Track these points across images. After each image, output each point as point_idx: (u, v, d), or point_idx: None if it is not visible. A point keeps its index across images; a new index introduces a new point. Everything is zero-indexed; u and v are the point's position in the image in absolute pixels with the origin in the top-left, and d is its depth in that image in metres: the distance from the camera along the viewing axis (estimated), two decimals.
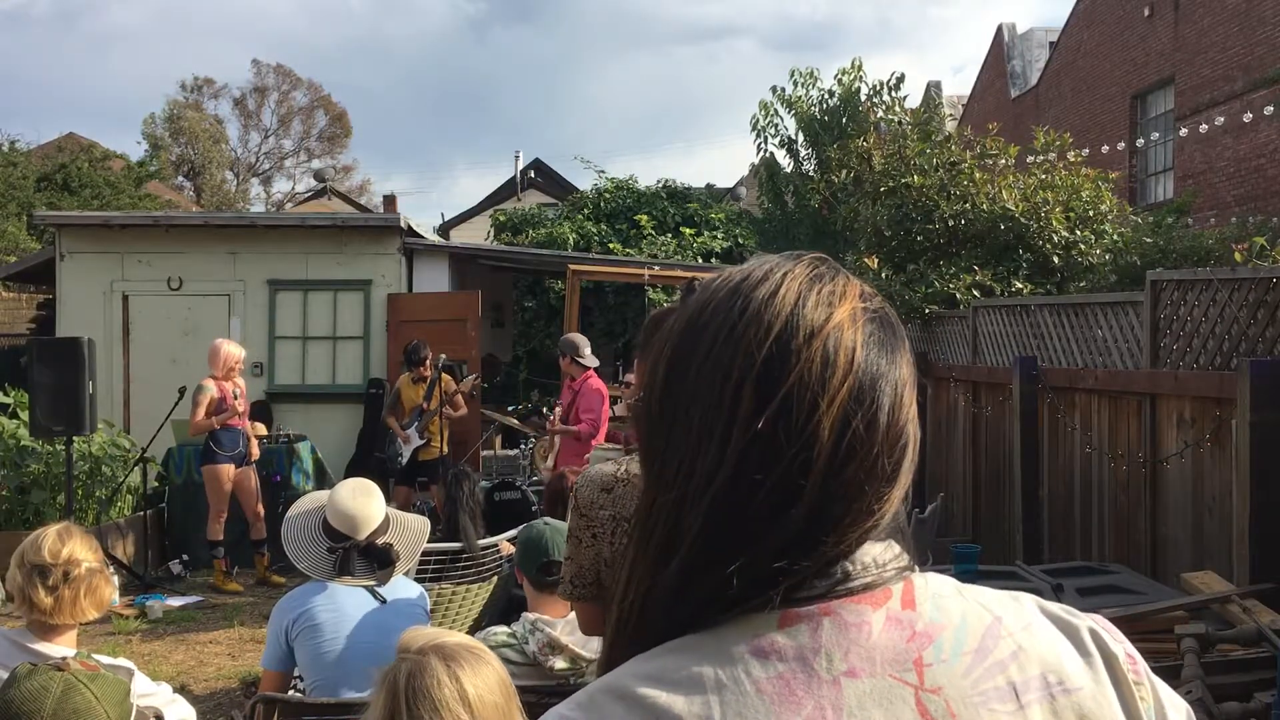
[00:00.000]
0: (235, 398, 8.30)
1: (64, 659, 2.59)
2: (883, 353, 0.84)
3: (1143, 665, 0.88)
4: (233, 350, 8.37)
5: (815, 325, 0.82)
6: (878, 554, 0.83)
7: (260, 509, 8.52)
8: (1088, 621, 0.88)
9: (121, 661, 3.02)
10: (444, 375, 9.45)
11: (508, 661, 3.26)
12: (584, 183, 24.40)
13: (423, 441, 9.35)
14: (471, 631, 4.73)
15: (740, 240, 17.95)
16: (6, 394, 9.85)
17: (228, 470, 8.28)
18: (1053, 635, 0.86)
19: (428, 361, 9.42)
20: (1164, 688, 0.88)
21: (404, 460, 9.28)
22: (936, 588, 0.85)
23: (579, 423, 7.71)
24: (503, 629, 3.42)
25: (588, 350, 7.87)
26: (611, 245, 17.56)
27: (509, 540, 6.06)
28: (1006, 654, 0.83)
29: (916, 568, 0.86)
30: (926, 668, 0.80)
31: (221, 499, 8.30)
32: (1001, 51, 21.79)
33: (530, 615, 3.38)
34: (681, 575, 0.82)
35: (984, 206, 9.74)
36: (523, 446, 11.48)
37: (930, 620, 0.82)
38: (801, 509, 0.80)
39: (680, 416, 0.83)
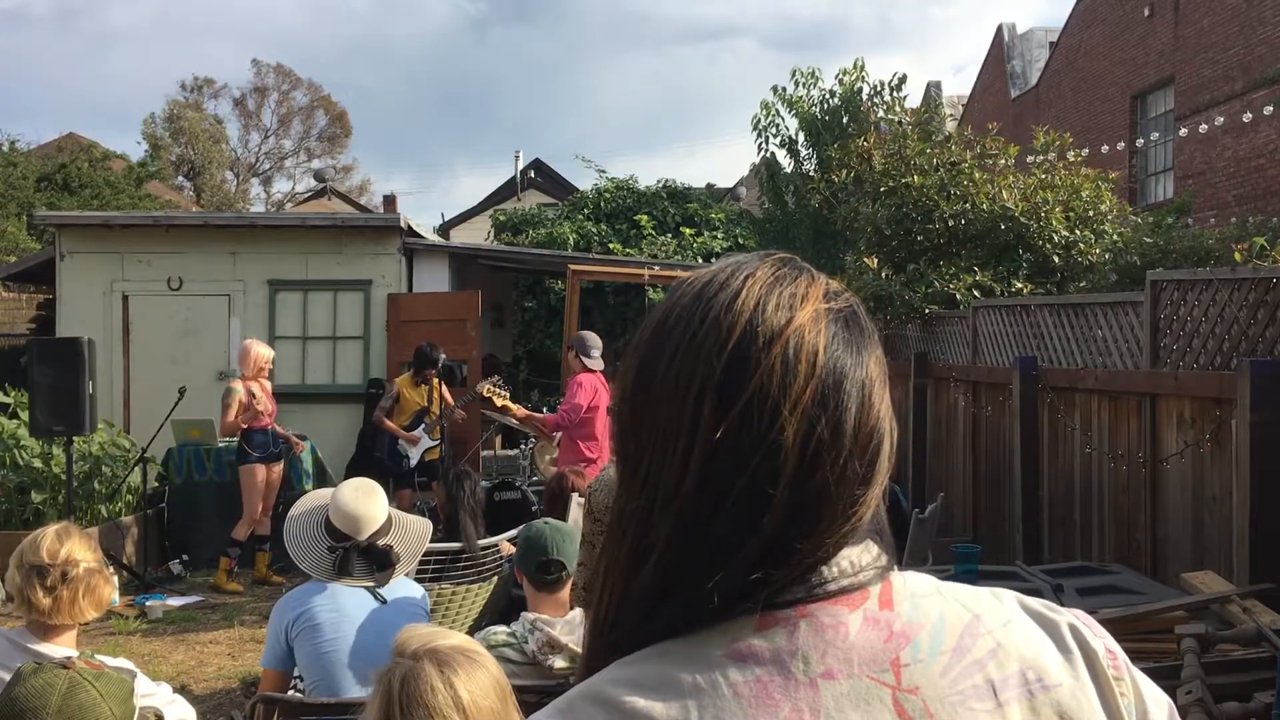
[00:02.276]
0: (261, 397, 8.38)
1: (69, 658, 2.60)
2: (848, 353, 0.82)
3: (1123, 660, 0.87)
4: (263, 351, 8.53)
5: (775, 330, 0.81)
6: (854, 556, 0.83)
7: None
8: (1068, 617, 0.88)
9: (123, 663, 3.02)
10: (435, 381, 9.29)
11: (507, 661, 3.27)
12: (584, 183, 24.47)
13: (435, 443, 9.28)
14: (471, 632, 4.73)
15: (740, 240, 17.95)
16: (6, 394, 9.84)
17: (262, 470, 8.36)
18: (1032, 632, 0.85)
19: (438, 367, 9.27)
20: (1146, 682, 0.88)
21: (413, 462, 9.17)
22: (915, 587, 0.85)
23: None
24: (502, 629, 3.43)
25: (596, 353, 7.76)
26: (611, 245, 17.58)
27: (509, 540, 6.06)
28: (985, 652, 0.82)
29: (895, 567, 0.86)
30: (904, 668, 0.80)
31: (255, 500, 8.34)
32: (1001, 51, 21.79)
33: (529, 615, 3.39)
34: (654, 583, 0.81)
35: (984, 206, 9.74)
36: (523, 446, 11.47)
37: (908, 620, 0.82)
38: (772, 518, 0.79)
39: (647, 424, 0.83)
